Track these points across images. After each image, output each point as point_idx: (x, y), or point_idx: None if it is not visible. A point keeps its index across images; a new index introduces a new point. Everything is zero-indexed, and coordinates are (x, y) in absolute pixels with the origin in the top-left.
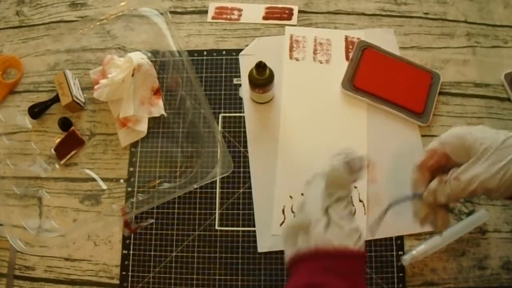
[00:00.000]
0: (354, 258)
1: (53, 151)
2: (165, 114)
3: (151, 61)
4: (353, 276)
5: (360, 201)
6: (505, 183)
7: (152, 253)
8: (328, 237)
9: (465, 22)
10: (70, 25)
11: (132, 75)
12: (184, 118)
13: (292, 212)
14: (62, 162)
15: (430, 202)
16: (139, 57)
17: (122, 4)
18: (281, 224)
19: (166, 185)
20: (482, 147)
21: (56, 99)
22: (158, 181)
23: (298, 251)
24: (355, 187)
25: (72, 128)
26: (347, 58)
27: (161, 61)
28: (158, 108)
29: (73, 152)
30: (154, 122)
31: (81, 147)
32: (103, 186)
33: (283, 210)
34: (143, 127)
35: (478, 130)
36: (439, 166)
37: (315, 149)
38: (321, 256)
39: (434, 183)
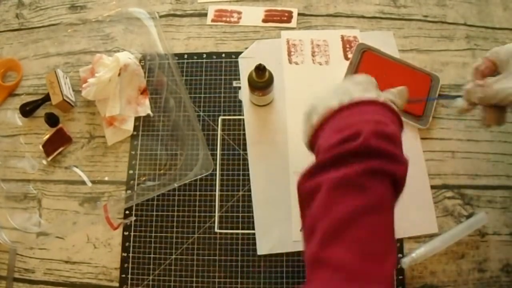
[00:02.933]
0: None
1: (40, 148)
2: (151, 114)
3: (142, 62)
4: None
5: None
6: None
7: (152, 255)
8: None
9: (465, 24)
10: (69, 28)
11: (119, 74)
12: (169, 119)
13: None
14: (50, 158)
15: (467, 100)
16: (126, 57)
17: (113, 3)
18: (301, 230)
19: (149, 183)
20: None
21: (47, 98)
22: (143, 179)
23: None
24: None
25: (60, 125)
26: (345, 57)
27: (150, 63)
28: (145, 108)
29: (60, 149)
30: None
31: (68, 144)
32: (89, 184)
33: None
34: (129, 126)
35: None
36: (490, 72)
37: None
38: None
39: (469, 85)
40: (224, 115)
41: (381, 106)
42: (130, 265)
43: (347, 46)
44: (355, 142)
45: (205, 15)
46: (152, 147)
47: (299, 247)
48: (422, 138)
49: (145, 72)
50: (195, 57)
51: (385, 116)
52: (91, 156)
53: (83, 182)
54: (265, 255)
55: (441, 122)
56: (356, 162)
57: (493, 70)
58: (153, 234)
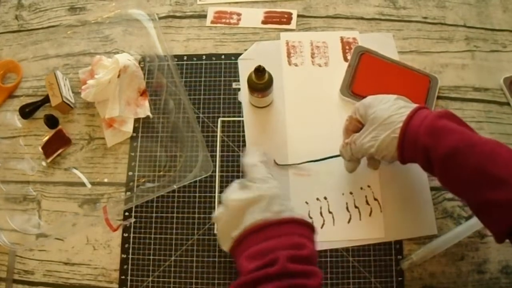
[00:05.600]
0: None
1: (40, 149)
2: (151, 115)
3: (142, 64)
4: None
5: (375, 199)
6: (382, 151)
7: (151, 257)
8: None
9: (464, 26)
10: (69, 29)
11: (118, 76)
12: (168, 120)
13: (310, 217)
14: (49, 160)
15: (344, 158)
16: (125, 59)
17: (112, 4)
18: None
19: (148, 184)
20: (373, 120)
21: (46, 100)
22: (142, 180)
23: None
24: (369, 186)
25: (60, 127)
26: (345, 59)
27: (150, 65)
28: (144, 109)
29: (60, 151)
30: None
31: (67, 146)
32: (89, 185)
33: None
34: (129, 128)
35: (380, 102)
36: (358, 128)
37: (322, 153)
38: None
39: (340, 146)
40: (223, 116)
41: (297, 224)
42: (129, 267)
43: (347, 47)
44: (273, 268)
45: (205, 16)
46: (152, 148)
47: None
48: None
49: (144, 74)
50: (195, 59)
51: (300, 233)
52: (91, 158)
53: (82, 184)
54: None
55: None
56: (276, 281)
57: (359, 126)
58: (152, 236)
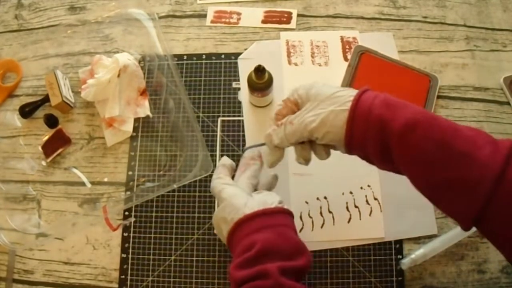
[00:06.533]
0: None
1: (40, 149)
2: (151, 115)
3: (142, 63)
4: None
5: (375, 199)
6: (325, 126)
7: (151, 257)
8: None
9: (464, 26)
10: (69, 29)
11: (118, 75)
12: (168, 120)
13: (310, 217)
14: (49, 159)
15: (268, 144)
16: (125, 58)
17: (112, 4)
18: (300, 231)
19: (148, 184)
20: (317, 96)
21: (46, 99)
22: (142, 180)
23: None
24: (369, 186)
25: (59, 126)
26: (345, 58)
27: (150, 64)
28: (144, 109)
29: (59, 150)
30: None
31: (67, 145)
32: (88, 185)
33: (301, 216)
34: (129, 127)
35: (323, 84)
36: (293, 112)
37: None
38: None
39: (270, 128)
40: (223, 116)
41: (250, 220)
42: (129, 266)
43: (347, 47)
44: (266, 281)
45: (205, 16)
46: (152, 148)
47: None
48: None
49: (144, 73)
50: (195, 58)
51: (253, 228)
52: (91, 157)
53: (82, 183)
54: None
55: None
56: None
57: (295, 110)
58: (152, 235)
